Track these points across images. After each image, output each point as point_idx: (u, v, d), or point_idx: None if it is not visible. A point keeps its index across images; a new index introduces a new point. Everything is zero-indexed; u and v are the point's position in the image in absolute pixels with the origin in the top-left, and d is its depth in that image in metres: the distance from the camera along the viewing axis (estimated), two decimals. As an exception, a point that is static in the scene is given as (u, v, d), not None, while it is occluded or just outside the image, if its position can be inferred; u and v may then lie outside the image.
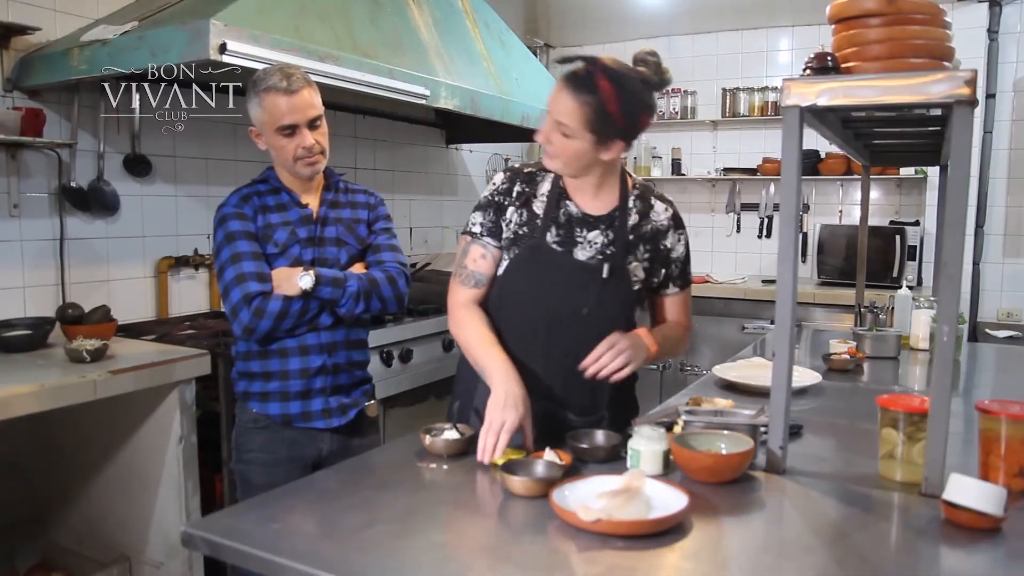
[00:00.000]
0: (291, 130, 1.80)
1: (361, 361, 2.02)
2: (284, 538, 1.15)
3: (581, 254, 1.63)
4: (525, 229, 1.64)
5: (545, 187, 1.67)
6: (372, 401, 2.03)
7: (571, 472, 1.35)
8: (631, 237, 1.65)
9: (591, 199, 1.65)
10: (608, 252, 1.63)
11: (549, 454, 1.40)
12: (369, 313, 1.91)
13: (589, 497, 1.19)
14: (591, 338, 1.58)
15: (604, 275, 1.61)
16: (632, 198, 1.67)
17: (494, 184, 1.70)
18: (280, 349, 1.87)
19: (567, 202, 1.65)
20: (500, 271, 1.67)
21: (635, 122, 1.54)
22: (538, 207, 1.65)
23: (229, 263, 1.81)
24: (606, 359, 1.52)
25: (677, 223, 1.72)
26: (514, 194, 1.67)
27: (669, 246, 1.70)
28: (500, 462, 1.37)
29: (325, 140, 1.88)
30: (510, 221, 1.65)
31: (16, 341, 2.28)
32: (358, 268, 1.93)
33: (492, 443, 1.42)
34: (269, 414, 1.90)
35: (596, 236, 1.64)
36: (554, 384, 1.63)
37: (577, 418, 1.65)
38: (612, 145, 1.54)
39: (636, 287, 1.66)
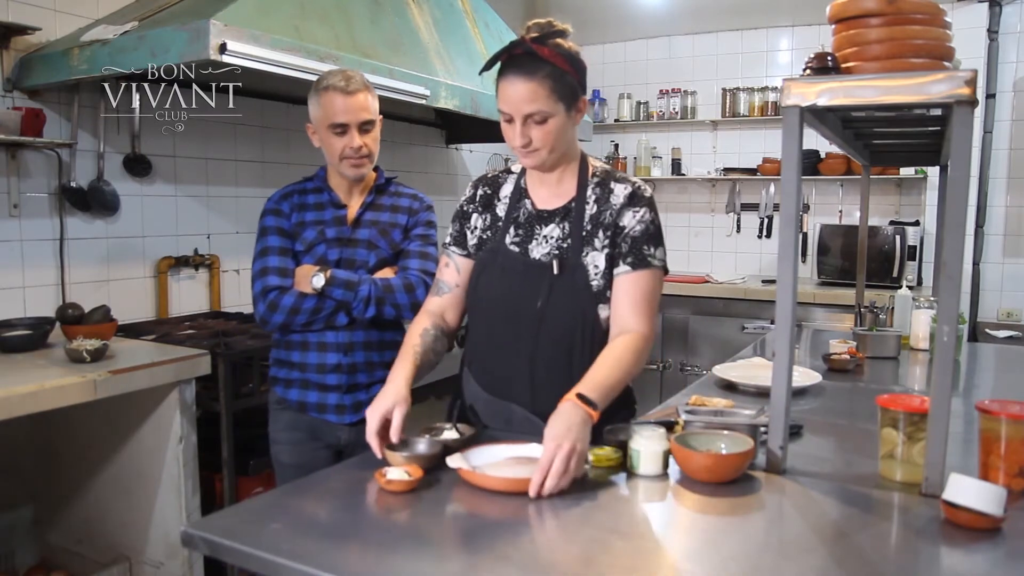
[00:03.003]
0: (342, 129, 1.87)
1: (387, 362, 1.95)
2: (284, 538, 1.15)
3: (537, 251, 1.60)
4: (489, 233, 1.66)
5: (508, 188, 1.68)
6: None
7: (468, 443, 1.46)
8: (589, 228, 1.59)
9: (549, 193, 1.63)
10: (563, 247, 1.59)
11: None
12: (383, 319, 1.93)
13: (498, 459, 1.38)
14: (552, 336, 1.57)
15: (555, 271, 1.57)
16: (591, 187, 1.61)
17: (465, 194, 1.73)
18: (302, 342, 1.94)
19: (526, 200, 1.65)
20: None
21: (583, 68, 1.54)
22: (501, 210, 1.67)
23: (258, 256, 1.92)
24: (551, 482, 1.26)
25: (634, 200, 1.58)
26: (477, 199, 1.70)
27: (623, 224, 1.57)
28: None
29: (375, 146, 1.95)
30: (475, 227, 1.68)
31: (16, 341, 2.28)
32: (387, 272, 1.96)
33: (375, 442, 1.44)
34: (289, 399, 1.97)
35: (552, 231, 1.61)
36: (522, 384, 1.61)
37: (544, 423, 1.59)
38: (579, 104, 1.55)
39: (596, 280, 1.57)
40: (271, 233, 1.93)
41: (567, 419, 1.34)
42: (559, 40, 1.51)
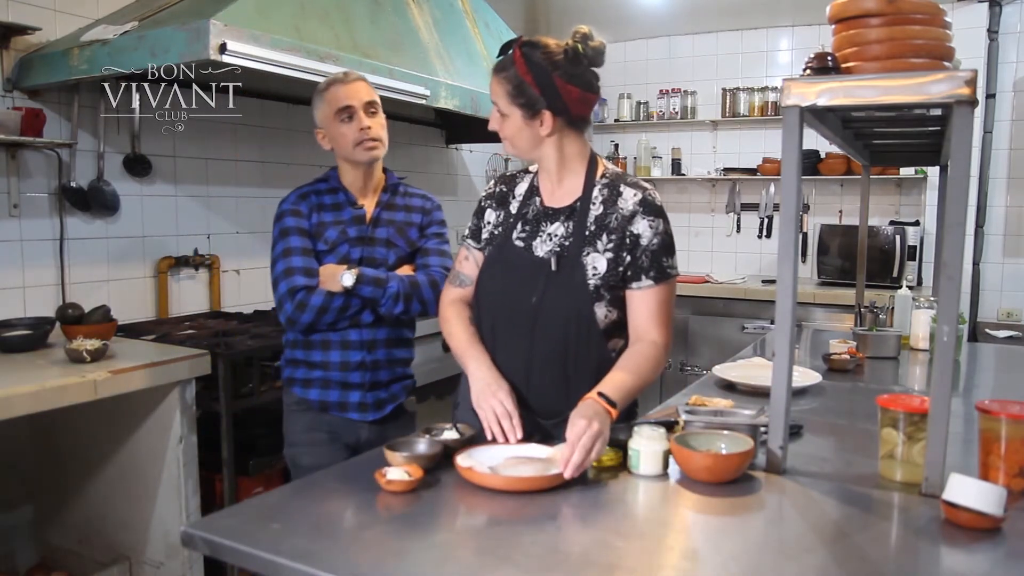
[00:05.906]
0: (349, 114, 1.91)
1: (404, 359, 2.08)
2: (284, 538, 1.15)
3: (541, 248, 1.62)
4: (500, 229, 1.69)
5: (523, 187, 1.71)
6: (411, 396, 2.11)
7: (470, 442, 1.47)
8: (593, 228, 1.59)
9: (556, 191, 1.65)
10: (564, 244, 1.60)
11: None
12: (409, 315, 1.97)
13: (496, 459, 1.40)
14: (548, 333, 1.58)
15: (552, 268, 1.59)
16: (598, 187, 1.62)
17: (485, 189, 1.78)
18: (323, 341, 1.95)
19: (536, 197, 1.68)
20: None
21: (553, 89, 1.53)
22: (514, 207, 1.70)
23: (280, 257, 1.91)
24: (579, 455, 1.31)
25: (648, 209, 1.58)
26: (494, 196, 1.74)
27: (637, 232, 1.57)
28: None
29: (383, 131, 1.97)
30: (488, 222, 1.72)
31: (16, 341, 2.28)
32: (405, 270, 1.99)
33: (509, 426, 1.49)
34: (309, 399, 1.98)
35: (557, 228, 1.62)
36: (518, 380, 1.61)
37: (545, 421, 1.60)
38: (542, 117, 1.56)
39: (593, 280, 1.57)
40: (292, 233, 1.92)
41: (590, 409, 1.40)
42: (551, 52, 1.55)
